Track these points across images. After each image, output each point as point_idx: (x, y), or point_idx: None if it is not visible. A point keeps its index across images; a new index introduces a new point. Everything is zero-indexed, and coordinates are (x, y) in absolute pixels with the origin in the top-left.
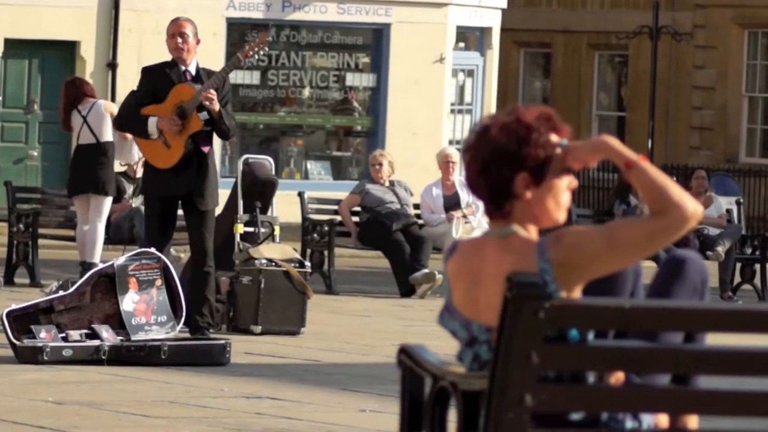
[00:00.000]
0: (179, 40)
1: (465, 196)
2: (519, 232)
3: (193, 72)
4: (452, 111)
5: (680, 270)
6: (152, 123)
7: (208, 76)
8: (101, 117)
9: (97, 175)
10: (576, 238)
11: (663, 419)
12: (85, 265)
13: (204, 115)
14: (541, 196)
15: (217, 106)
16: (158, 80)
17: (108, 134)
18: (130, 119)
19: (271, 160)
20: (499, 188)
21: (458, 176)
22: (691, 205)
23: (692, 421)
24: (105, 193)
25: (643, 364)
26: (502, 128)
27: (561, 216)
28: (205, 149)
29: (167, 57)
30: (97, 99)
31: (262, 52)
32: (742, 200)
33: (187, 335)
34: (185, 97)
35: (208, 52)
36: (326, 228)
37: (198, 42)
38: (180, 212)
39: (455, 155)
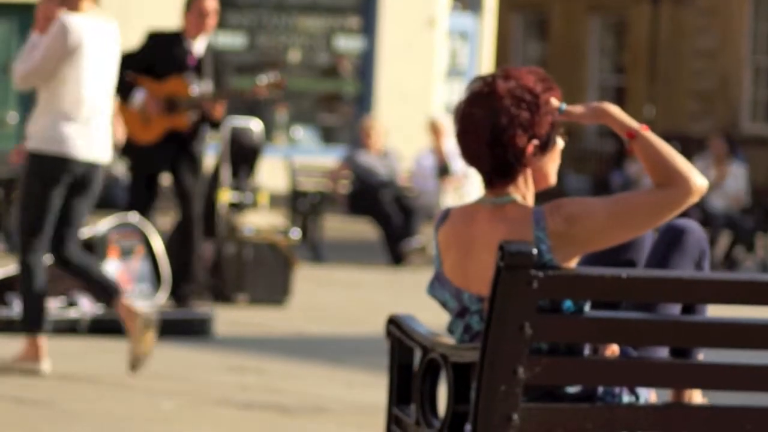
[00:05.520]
0: (208, 19)
1: (457, 163)
2: (517, 200)
3: (199, 52)
4: (449, 74)
5: (679, 240)
6: (139, 96)
7: (214, 58)
8: None
9: None
10: (577, 209)
11: (655, 394)
12: None
13: (193, 116)
14: (544, 161)
15: (219, 117)
16: (160, 53)
17: None
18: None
19: (258, 123)
20: (510, 158)
21: (450, 144)
22: (698, 179)
23: (695, 395)
24: None
25: (640, 336)
26: (510, 96)
27: (555, 178)
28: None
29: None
30: None
31: (273, 94)
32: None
33: (170, 305)
34: (181, 93)
35: None
36: (315, 196)
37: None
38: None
39: (447, 122)
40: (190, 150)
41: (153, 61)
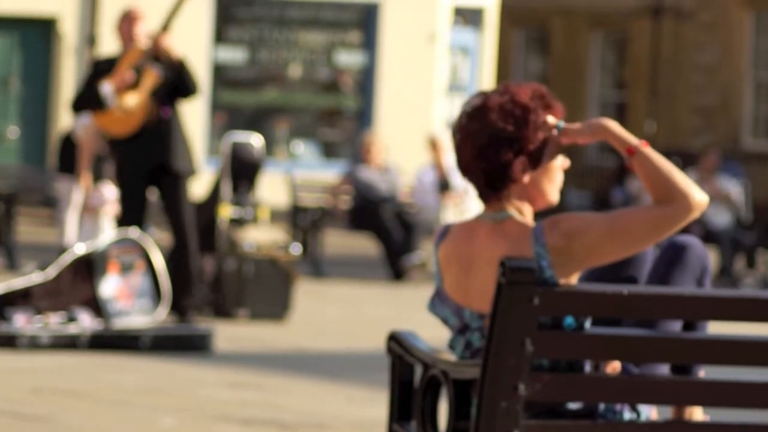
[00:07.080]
0: (136, 26)
1: (457, 179)
2: (514, 216)
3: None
4: (450, 90)
5: (680, 257)
6: (105, 86)
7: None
8: None
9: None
10: (576, 224)
11: (656, 411)
12: (63, 249)
13: (160, 70)
14: (538, 178)
15: (174, 50)
16: (108, 68)
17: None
18: (83, 94)
19: (259, 138)
20: (496, 172)
21: (450, 159)
22: (697, 195)
23: (697, 412)
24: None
25: (642, 353)
26: (499, 110)
27: (556, 197)
28: (166, 113)
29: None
30: None
31: None
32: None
33: (170, 320)
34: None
35: (194, 28)
36: (315, 212)
37: None
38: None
39: (446, 138)
40: (170, 145)
41: (103, 76)
